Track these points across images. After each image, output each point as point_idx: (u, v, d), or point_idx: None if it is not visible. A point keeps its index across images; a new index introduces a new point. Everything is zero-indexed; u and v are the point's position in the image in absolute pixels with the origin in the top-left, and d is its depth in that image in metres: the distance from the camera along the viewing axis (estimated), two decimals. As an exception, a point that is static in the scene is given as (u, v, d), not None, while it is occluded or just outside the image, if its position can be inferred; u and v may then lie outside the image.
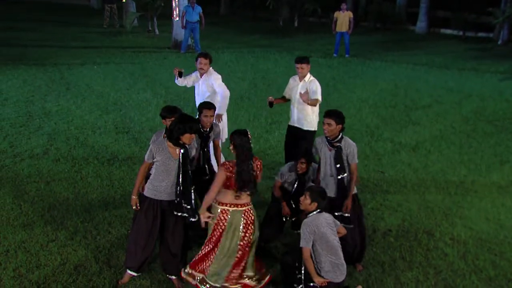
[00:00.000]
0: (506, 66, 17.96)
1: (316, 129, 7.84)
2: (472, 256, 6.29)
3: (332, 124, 5.71)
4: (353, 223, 5.87)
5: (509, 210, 7.50)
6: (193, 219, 5.41)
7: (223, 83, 7.90)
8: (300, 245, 5.10)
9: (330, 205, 5.62)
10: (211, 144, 6.74)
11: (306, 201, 5.20)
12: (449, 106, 12.87)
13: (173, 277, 5.61)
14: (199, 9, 18.79)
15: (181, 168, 5.34)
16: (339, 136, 5.79)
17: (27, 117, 11.09)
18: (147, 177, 5.59)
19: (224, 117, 7.93)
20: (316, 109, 7.73)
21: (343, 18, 18.77)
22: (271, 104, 7.90)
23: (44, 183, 7.92)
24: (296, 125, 7.82)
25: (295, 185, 6.28)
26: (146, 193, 5.46)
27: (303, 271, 5.22)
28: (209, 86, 7.87)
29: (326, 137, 5.85)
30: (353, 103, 12.75)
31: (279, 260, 5.66)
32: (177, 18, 19.69)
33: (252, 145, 5.42)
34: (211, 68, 7.92)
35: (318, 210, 5.17)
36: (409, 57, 19.46)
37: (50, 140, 9.76)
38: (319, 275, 5.11)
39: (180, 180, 5.35)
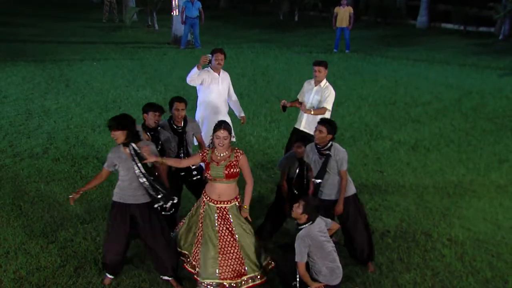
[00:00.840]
0: (507, 62, 17.98)
1: None
2: (469, 257, 6.35)
3: (323, 131, 5.78)
4: (357, 224, 5.97)
5: (507, 210, 7.55)
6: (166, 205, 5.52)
7: None
8: (296, 260, 5.17)
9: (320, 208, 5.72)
10: (194, 140, 6.77)
11: (298, 210, 5.25)
12: (448, 103, 12.90)
13: (167, 277, 5.67)
14: (198, 4, 18.79)
15: (136, 163, 5.33)
16: (329, 144, 5.85)
17: (27, 115, 11.14)
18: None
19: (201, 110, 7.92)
20: (328, 114, 7.46)
21: (343, 14, 18.78)
22: (284, 108, 7.79)
23: (44, 183, 7.99)
24: (304, 129, 7.63)
25: (297, 170, 6.39)
26: (114, 197, 5.54)
27: (298, 279, 5.29)
28: (227, 85, 7.93)
29: (316, 145, 5.91)
30: (352, 101, 12.78)
31: (276, 266, 5.69)
32: (177, 14, 19.69)
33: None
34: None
35: (310, 222, 5.23)
36: (410, 53, 19.47)
37: (49, 139, 9.82)
38: (317, 280, 5.18)
39: (141, 174, 5.35)
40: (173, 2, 19.60)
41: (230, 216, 5.45)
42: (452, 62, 18.01)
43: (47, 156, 9.04)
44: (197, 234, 5.58)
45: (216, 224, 5.42)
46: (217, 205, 5.43)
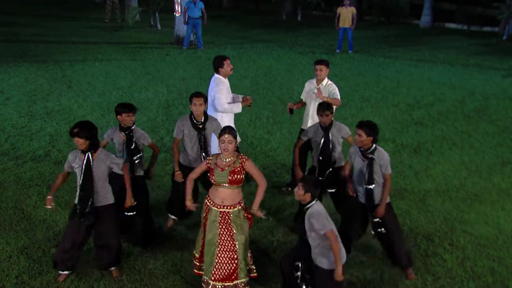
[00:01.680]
0: (511, 63, 17.95)
1: None
2: (470, 262, 6.38)
3: (362, 135, 5.79)
4: (393, 232, 5.99)
5: (508, 214, 7.58)
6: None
7: None
8: (324, 232, 5.10)
9: (362, 212, 5.99)
10: (214, 139, 6.78)
11: (300, 192, 5.21)
12: (451, 105, 12.92)
13: (112, 268, 5.92)
14: (201, 4, 18.82)
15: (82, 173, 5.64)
16: (372, 147, 5.87)
17: (29, 117, 11.20)
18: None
19: (228, 118, 7.85)
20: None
21: (346, 14, 18.78)
22: (291, 110, 7.89)
23: (46, 187, 8.04)
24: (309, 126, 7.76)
25: (321, 143, 6.71)
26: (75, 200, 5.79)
27: (301, 268, 5.35)
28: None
29: (359, 147, 5.94)
30: (355, 102, 12.81)
31: (279, 264, 5.69)
32: (179, 14, 19.73)
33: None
34: None
35: (315, 200, 5.28)
36: (413, 53, 19.46)
37: (52, 141, 9.87)
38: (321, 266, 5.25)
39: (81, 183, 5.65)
40: (176, 3, 19.61)
41: (232, 221, 5.48)
42: (455, 63, 18.01)
43: (49, 159, 9.09)
44: (201, 238, 5.71)
45: (218, 228, 5.47)
46: (220, 210, 5.48)
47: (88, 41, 20.11)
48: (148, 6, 23.44)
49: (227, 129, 5.45)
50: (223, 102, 7.37)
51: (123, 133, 6.42)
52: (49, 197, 5.92)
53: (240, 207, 5.54)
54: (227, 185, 5.41)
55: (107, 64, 16.32)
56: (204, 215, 5.64)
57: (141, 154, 6.48)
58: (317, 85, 7.76)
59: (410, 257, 6.14)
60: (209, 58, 17.34)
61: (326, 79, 7.76)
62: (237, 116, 8.48)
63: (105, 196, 5.77)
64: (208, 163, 5.54)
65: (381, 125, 11.22)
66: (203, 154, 6.64)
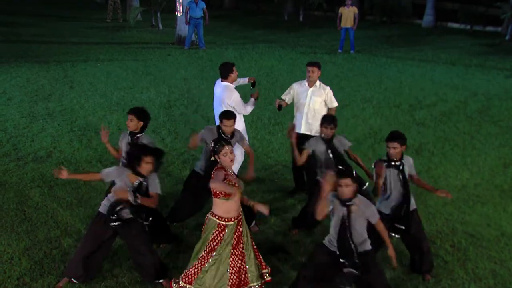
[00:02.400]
0: (514, 63, 17.97)
1: None
2: (472, 264, 6.39)
3: (397, 147, 5.86)
4: (419, 234, 6.06)
5: (510, 216, 7.59)
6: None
7: None
8: (375, 221, 5.29)
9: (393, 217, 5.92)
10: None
11: (350, 188, 5.15)
12: (453, 105, 12.92)
13: (160, 280, 5.82)
14: (202, 4, 18.85)
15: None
16: (403, 158, 5.98)
17: (31, 118, 11.23)
18: None
19: (242, 123, 7.94)
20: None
21: (348, 14, 18.79)
22: (280, 107, 7.95)
23: (48, 188, 8.06)
24: (305, 132, 7.76)
25: (330, 154, 6.61)
26: (101, 208, 5.68)
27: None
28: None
29: (390, 159, 5.93)
30: (356, 103, 12.81)
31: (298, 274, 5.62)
32: (181, 14, 19.75)
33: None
34: None
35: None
36: (415, 53, 19.46)
37: (53, 142, 9.90)
38: None
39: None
40: (177, 3, 19.64)
41: (242, 224, 5.53)
42: (458, 63, 18.01)
43: (50, 160, 9.12)
44: (204, 254, 5.45)
45: (233, 240, 5.42)
46: (238, 218, 5.48)
47: (90, 41, 20.15)
48: (149, 6, 23.47)
49: (224, 142, 5.55)
50: (246, 108, 7.71)
51: (131, 138, 6.43)
52: (64, 172, 5.52)
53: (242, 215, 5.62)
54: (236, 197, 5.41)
55: (109, 65, 16.35)
56: (215, 238, 5.41)
57: None
58: (309, 87, 7.78)
59: (431, 261, 6.18)
60: (211, 58, 17.44)
61: (318, 81, 7.80)
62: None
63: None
64: (225, 173, 5.43)
65: (383, 125, 11.26)
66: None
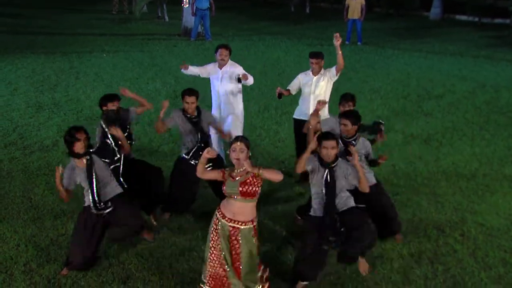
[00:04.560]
0: (523, 54, 17.82)
1: None
2: (482, 253, 6.33)
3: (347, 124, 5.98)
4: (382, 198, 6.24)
5: (520, 205, 7.52)
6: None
7: None
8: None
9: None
10: (212, 133, 7.03)
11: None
12: (462, 96, 12.82)
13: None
14: (209, -5, 18.81)
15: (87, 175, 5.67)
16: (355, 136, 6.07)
17: (37, 107, 11.23)
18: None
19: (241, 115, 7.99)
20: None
21: (355, 5, 18.69)
22: (280, 95, 7.93)
23: (54, 176, 8.01)
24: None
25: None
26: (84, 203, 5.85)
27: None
28: (233, 78, 8.00)
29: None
30: (364, 94, 12.73)
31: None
32: (187, 5, 19.70)
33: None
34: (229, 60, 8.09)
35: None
36: (422, 45, 19.34)
37: (59, 131, 9.88)
38: None
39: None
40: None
41: (241, 239, 5.03)
42: (466, 54, 17.88)
43: (57, 149, 9.11)
44: (210, 254, 5.18)
45: (229, 242, 5.06)
46: (229, 224, 5.00)
47: (95, 33, 20.13)
48: (155, -3, 23.45)
49: (239, 138, 5.08)
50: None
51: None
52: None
53: (251, 226, 5.04)
54: (238, 197, 4.94)
55: (115, 56, 16.33)
56: (213, 228, 5.15)
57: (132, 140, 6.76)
58: (314, 75, 7.74)
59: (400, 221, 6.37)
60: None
61: (322, 70, 7.77)
62: (245, 107, 8.51)
63: (113, 188, 5.87)
64: (224, 173, 5.07)
65: (390, 116, 11.18)
66: (201, 145, 6.69)
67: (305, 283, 5.59)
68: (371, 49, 18.44)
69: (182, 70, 8.16)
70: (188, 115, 6.66)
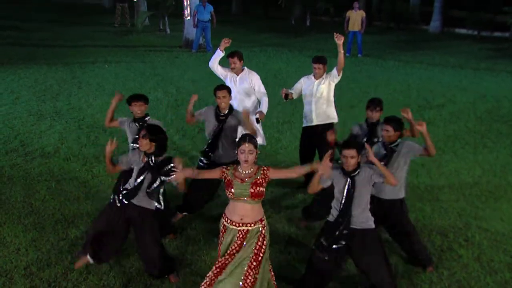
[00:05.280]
0: (522, 66, 17.81)
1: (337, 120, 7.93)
2: (487, 258, 6.23)
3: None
4: (410, 232, 5.98)
5: (525, 212, 7.43)
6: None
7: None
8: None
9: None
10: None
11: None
12: (463, 106, 12.77)
13: (167, 275, 5.67)
14: (210, 8, 18.83)
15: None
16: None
17: (38, 116, 11.17)
18: None
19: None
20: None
21: (356, 17, 18.71)
22: (286, 96, 7.84)
23: (55, 182, 7.97)
24: (317, 123, 7.72)
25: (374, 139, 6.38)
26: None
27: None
28: (250, 84, 7.95)
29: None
30: (365, 103, 12.57)
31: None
32: (189, 17, 19.75)
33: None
34: (245, 68, 8.08)
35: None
36: (423, 57, 19.34)
37: (61, 139, 9.82)
38: None
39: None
40: (185, 3, 19.65)
41: (246, 240, 4.87)
42: (466, 66, 17.86)
43: (58, 156, 9.03)
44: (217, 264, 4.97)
45: (233, 248, 4.89)
46: (239, 228, 4.87)
47: (98, 44, 20.14)
48: (157, 10, 23.45)
49: (247, 138, 4.89)
50: (213, 56, 8.28)
51: (136, 124, 6.40)
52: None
53: (260, 225, 4.91)
54: (248, 198, 4.80)
55: (117, 66, 16.31)
56: (221, 237, 5.01)
57: None
58: (316, 79, 7.72)
59: (430, 255, 6.07)
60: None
61: (324, 74, 7.74)
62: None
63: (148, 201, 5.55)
64: (224, 172, 4.93)
65: (393, 124, 11.10)
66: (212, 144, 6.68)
67: None
68: (372, 61, 18.43)
69: (219, 50, 8.19)
70: (219, 112, 6.62)
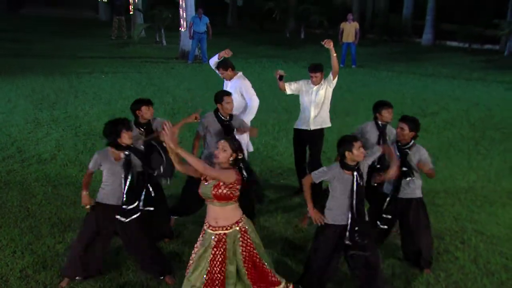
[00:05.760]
0: (513, 76, 17.89)
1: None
2: (483, 260, 6.17)
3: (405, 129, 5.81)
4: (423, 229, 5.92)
5: (520, 215, 7.38)
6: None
7: (253, 91, 7.80)
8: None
9: None
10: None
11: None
12: (456, 114, 12.79)
13: (162, 277, 5.55)
14: (206, 19, 18.87)
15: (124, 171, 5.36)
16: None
17: (35, 123, 11.09)
18: None
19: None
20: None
21: (350, 29, 18.78)
22: (281, 77, 7.75)
23: (52, 187, 7.88)
24: (316, 127, 7.68)
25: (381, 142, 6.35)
26: (97, 198, 5.48)
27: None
28: (237, 92, 7.71)
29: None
30: (360, 112, 12.66)
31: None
32: (185, 29, 19.76)
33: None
34: (240, 73, 7.95)
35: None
36: (416, 68, 19.40)
37: (57, 146, 9.74)
38: None
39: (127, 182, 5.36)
40: (181, 14, 19.69)
41: (227, 245, 4.66)
42: (459, 77, 17.92)
43: (55, 162, 8.95)
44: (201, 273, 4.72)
45: (211, 254, 4.66)
46: (216, 232, 4.67)
47: (94, 55, 20.10)
48: (153, 23, 23.48)
49: (228, 138, 4.94)
50: (213, 57, 8.24)
51: (141, 129, 6.25)
52: (84, 192, 5.46)
53: (237, 228, 4.69)
54: (214, 200, 4.64)
55: (113, 77, 16.26)
56: (197, 244, 4.84)
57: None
58: (314, 85, 7.67)
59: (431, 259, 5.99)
60: (214, 72, 17.30)
61: (322, 80, 7.71)
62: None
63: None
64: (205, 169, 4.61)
65: (387, 132, 11.09)
66: None
67: None
68: (366, 71, 18.47)
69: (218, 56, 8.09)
70: (222, 117, 6.51)
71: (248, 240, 4.76)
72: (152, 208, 5.68)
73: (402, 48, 24.63)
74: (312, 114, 7.63)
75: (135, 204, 5.40)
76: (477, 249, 6.42)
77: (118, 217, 5.32)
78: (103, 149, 5.56)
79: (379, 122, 6.61)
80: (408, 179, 5.73)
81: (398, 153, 5.72)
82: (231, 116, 6.64)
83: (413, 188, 5.84)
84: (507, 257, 6.24)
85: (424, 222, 5.91)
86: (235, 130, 6.64)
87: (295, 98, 13.12)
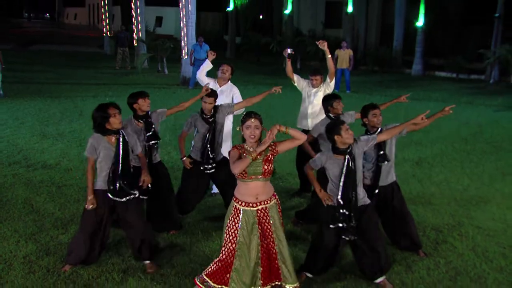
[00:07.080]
0: (500, 100, 17.90)
1: None
2: (481, 249, 6.02)
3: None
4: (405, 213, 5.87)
5: (515, 213, 7.25)
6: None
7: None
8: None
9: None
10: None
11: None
12: (448, 131, 12.73)
13: (146, 261, 5.37)
14: (206, 47, 18.98)
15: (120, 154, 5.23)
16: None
17: (41, 136, 10.99)
18: None
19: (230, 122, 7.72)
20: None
21: (344, 56, 18.90)
22: (290, 55, 7.62)
23: (56, 187, 7.75)
24: (310, 128, 7.59)
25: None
26: (95, 186, 5.31)
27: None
28: (229, 97, 7.71)
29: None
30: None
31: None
32: (186, 57, 19.88)
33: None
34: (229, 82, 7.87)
35: None
36: (407, 93, 19.38)
37: (62, 154, 9.63)
38: None
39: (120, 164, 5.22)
40: (182, 43, 19.85)
41: (271, 218, 4.62)
42: (448, 100, 17.92)
43: (59, 167, 8.82)
44: (226, 245, 4.64)
45: (258, 231, 4.59)
46: (257, 207, 4.57)
47: (99, 82, 20.14)
48: (156, 53, 23.63)
49: (252, 114, 4.60)
50: (202, 66, 8.27)
51: (141, 121, 6.11)
52: (90, 197, 5.23)
53: (275, 200, 4.69)
54: (261, 176, 4.52)
55: (117, 99, 16.07)
56: (232, 222, 4.62)
57: (158, 141, 6.18)
58: (313, 88, 7.66)
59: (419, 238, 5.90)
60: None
61: (321, 85, 7.77)
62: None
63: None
64: (239, 150, 4.57)
65: (382, 143, 11.01)
66: (209, 148, 6.37)
67: (309, 275, 5.23)
68: (360, 96, 18.50)
69: (209, 62, 8.13)
70: (205, 115, 6.41)
71: (280, 212, 4.77)
72: (146, 197, 5.64)
73: (393, 77, 24.78)
74: (309, 114, 7.72)
75: (117, 184, 5.21)
76: (475, 240, 6.27)
77: (111, 196, 5.17)
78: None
79: (331, 115, 6.55)
80: (385, 162, 5.59)
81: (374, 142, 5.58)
82: (215, 109, 6.48)
83: (392, 173, 5.85)
84: (504, 246, 6.09)
85: (405, 203, 5.92)
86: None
87: (295, 114, 13.11)
